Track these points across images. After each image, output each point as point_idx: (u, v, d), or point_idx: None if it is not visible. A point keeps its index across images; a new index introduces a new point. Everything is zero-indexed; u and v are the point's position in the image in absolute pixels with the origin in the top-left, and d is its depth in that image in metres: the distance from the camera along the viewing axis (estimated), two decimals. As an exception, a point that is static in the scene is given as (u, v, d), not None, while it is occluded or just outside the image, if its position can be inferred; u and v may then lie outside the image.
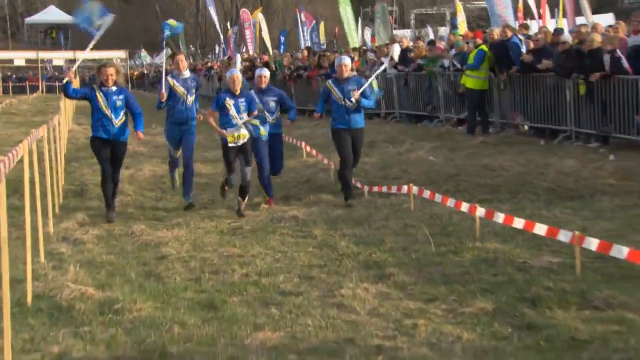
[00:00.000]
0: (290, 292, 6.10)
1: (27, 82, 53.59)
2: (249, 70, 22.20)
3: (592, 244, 6.04)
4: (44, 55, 58.06)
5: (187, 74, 10.01)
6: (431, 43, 19.52)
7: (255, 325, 5.30)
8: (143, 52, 60.62)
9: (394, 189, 9.67)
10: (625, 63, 12.34)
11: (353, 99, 9.63)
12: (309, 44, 31.32)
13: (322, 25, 34.90)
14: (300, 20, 33.59)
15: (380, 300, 5.77)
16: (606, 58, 12.63)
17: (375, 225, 8.34)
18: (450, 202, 8.19)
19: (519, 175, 10.78)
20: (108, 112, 9.03)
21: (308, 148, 12.91)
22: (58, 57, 59.30)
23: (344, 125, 9.68)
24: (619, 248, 5.81)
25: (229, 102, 9.13)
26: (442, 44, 19.11)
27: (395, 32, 31.84)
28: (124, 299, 5.92)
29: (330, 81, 10.08)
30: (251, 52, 33.31)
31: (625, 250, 5.74)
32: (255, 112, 9.30)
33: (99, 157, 9.22)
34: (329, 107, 10.00)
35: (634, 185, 9.71)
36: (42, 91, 51.45)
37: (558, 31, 15.43)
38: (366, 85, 9.73)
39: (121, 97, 9.12)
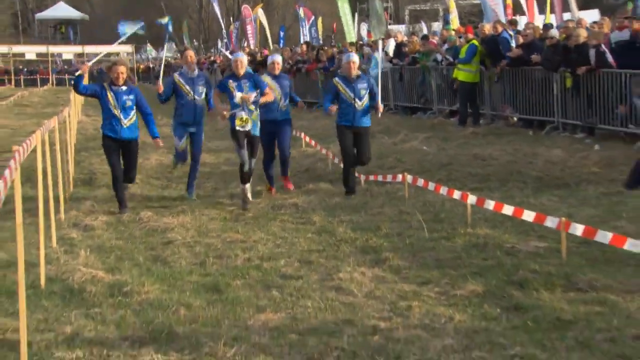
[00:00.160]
0: (290, 275, 6.12)
1: (38, 75, 53.45)
2: (251, 64, 22.16)
3: (578, 229, 6.07)
4: (53, 49, 57.91)
5: (195, 72, 9.58)
6: (425, 38, 19.48)
7: (257, 307, 5.32)
8: (149, 47, 60.41)
9: (389, 178, 9.69)
10: (609, 57, 12.34)
11: (379, 115, 9.44)
12: (308, 38, 31.27)
13: (320, 21, 34.82)
14: (300, 16, 33.51)
15: (377, 284, 5.80)
16: (591, 53, 12.63)
17: (371, 212, 8.36)
18: (443, 190, 8.21)
19: (508, 164, 10.81)
20: (117, 112, 8.60)
21: (307, 139, 12.91)
22: (67, 52, 59.24)
23: (349, 122, 9.21)
24: (603, 233, 5.85)
25: (232, 85, 8.75)
26: (435, 39, 19.09)
27: (390, 27, 31.76)
28: (133, 282, 5.95)
29: (337, 79, 9.45)
30: (252, 47, 33.25)
31: (608, 236, 5.78)
32: (267, 91, 8.91)
33: (108, 157, 8.85)
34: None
35: (618, 173, 9.73)
36: (52, 84, 51.43)
37: (547, 26, 15.44)
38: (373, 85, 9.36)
39: (131, 97, 8.69)
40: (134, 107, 8.75)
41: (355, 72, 9.27)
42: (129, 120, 8.69)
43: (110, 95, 8.63)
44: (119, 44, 10.74)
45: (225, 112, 8.75)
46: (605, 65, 12.37)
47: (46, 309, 5.39)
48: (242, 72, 8.84)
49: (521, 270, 5.84)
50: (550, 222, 6.42)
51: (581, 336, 4.55)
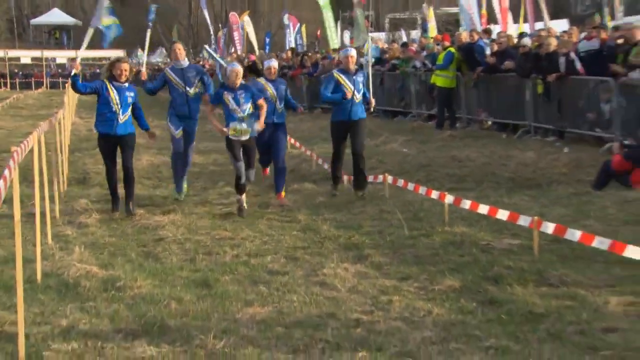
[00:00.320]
0: (277, 271, 6.12)
1: (33, 79, 52.98)
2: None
3: (549, 227, 6.12)
4: (48, 54, 57.49)
5: (184, 63, 9.14)
6: (404, 45, 19.57)
7: (245, 301, 5.32)
8: (140, 52, 60.07)
9: (370, 178, 9.69)
10: (578, 65, 12.45)
11: (372, 109, 9.35)
12: (293, 45, 31.23)
13: (304, 28, 34.80)
14: (286, 22, 33.45)
15: (359, 279, 5.81)
16: (561, 60, 12.74)
17: (354, 211, 8.37)
18: (422, 190, 8.25)
19: (484, 166, 10.87)
20: (117, 107, 8.31)
21: (292, 140, 12.90)
22: (61, 56, 58.83)
23: (345, 116, 9.05)
24: (573, 231, 5.90)
25: (227, 97, 8.27)
26: (414, 46, 19.16)
27: (371, 34, 31.79)
28: (126, 277, 5.91)
29: (337, 71, 9.24)
30: (239, 52, 33.15)
31: (578, 234, 5.84)
32: (262, 101, 8.44)
33: (103, 154, 8.64)
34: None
35: (586, 175, 9.81)
36: (47, 87, 50.99)
37: (522, 35, 15.56)
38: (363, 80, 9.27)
39: (132, 94, 8.45)
40: (131, 105, 8.50)
41: (353, 65, 9.13)
42: (124, 116, 8.41)
43: (112, 91, 8.34)
44: (108, 45, 10.27)
45: (224, 129, 8.25)
46: (574, 72, 12.48)
47: (42, 302, 5.36)
48: (238, 82, 8.34)
49: (496, 267, 5.88)
50: (523, 220, 6.47)
51: (552, 328, 4.58)
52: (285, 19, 33.57)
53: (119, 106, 8.35)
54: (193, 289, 5.67)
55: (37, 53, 57.24)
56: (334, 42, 26.84)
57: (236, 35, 34.74)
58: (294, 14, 36.77)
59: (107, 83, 8.39)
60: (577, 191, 8.94)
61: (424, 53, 17.52)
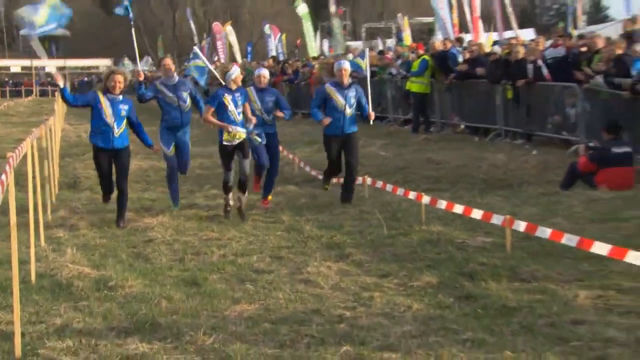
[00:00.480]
0: (263, 270, 6.11)
1: (23, 87, 52.53)
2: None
3: (520, 226, 6.17)
4: (37, 63, 56.83)
5: (175, 79, 8.75)
6: (380, 53, 19.63)
7: (233, 299, 5.31)
8: (126, 61, 59.63)
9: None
10: (545, 71, 12.58)
11: (371, 122, 8.91)
12: (274, 53, 31.23)
13: (284, 37, 34.81)
14: (267, 32, 33.44)
15: (341, 276, 5.82)
16: (529, 67, 12.87)
17: (335, 212, 8.38)
18: (400, 191, 8.28)
19: (458, 168, 10.94)
20: (111, 120, 7.78)
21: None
22: (50, 65, 58.19)
23: (337, 131, 8.59)
24: (543, 229, 5.96)
25: (227, 98, 8.01)
26: (389, 54, 19.23)
27: (348, 43, 31.88)
28: (117, 277, 5.87)
29: (329, 85, 8.68)
30: (222, 61, 33.07)
31: (548, 231, 5.89)
32: (249, 112, 8.20)
33: (99, 170, 8.13)
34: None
35: (554, 175, 9.91)
36: (36, 95, 50.56)
37: (494, 43, 15.69)
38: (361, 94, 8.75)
39: (126, 107, 7.90)
40: (125, 118, 7.97)
41: (347, 79, 8.59)
42: (120, 129, 7.89)
43: (104, 104, 7.81)
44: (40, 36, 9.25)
45: (230, 128, 7.98)
46: (541, 78, 12.61)
47: (37, 302, 5.31)
48: (234, 86, 8.11)
49: (471, 263, 5.92)
50: (496, 219, 6.52)
51: (525, 321, 4.62)
52: (267, 28, 33.58)
53: (113, 119, 7.81)
54: (182, 287, 5.65)
55: (26, 62, 56.71)
56: (313, 50, 26.91)
57: (219, 44, 34.68)
58: (275, 24, 36.77)
59: (101, 95, 7.86)
60: (546, 191, 9.03)
61: (400, 61, 17.58)
